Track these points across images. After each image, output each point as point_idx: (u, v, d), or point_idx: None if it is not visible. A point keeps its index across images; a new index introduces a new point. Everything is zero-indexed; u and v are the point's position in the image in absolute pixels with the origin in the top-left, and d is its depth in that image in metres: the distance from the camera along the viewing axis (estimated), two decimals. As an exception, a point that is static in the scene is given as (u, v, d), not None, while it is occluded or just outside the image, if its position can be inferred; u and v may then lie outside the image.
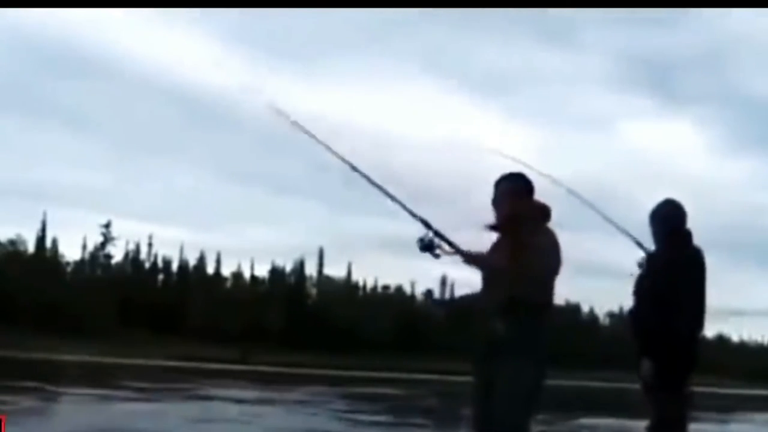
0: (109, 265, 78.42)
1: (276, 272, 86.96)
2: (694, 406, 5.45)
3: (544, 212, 4.44)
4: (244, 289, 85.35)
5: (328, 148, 4.54)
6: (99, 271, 77.54)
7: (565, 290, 4.78)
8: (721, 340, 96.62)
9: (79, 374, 29.41)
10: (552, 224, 4.48)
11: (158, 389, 22.60)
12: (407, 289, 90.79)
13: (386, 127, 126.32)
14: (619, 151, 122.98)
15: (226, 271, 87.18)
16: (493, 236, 4.50)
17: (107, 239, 77.26)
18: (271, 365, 50.38)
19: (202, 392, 22.44)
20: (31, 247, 74.90)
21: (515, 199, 4.47)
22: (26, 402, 14.04)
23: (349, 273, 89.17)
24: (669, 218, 5.54)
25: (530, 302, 4.21)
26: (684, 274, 5.32)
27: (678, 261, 5.35)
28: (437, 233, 4.32)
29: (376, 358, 66.57)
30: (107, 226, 77.19)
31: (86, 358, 46.48)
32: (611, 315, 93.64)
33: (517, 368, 4.16)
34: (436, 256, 4.28)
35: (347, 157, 4.46)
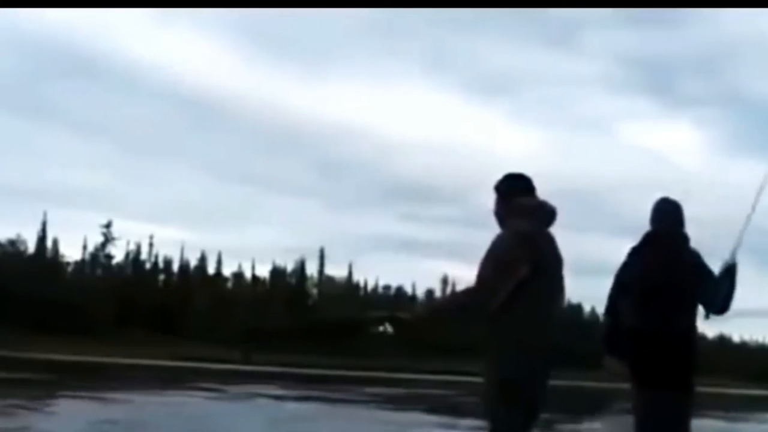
0: (109, 265, 78.34)
1: (277, 272, 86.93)
2: (690, 408, 5.29)
3: (523, 211, 4.42)
4: (245, 289, 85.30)
5: None
6: (100, 272, 77.46)
7: (566, 290, 4.77)
8: (722, 341, 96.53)
9: (111, 376, 29.08)
10: (554, 225, 4.48)
11: (222, 390, 22.17)
12: (408, 289, 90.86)
13: (386, 127, 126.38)
14: (619, 152, 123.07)
15: (227, 271, 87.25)
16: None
17: (108, 239, 77.24)
18: (275, 365, 50.05)
19: (263, 391, 22.14)
20: (31, 247, 74.94)
21: (500, 199, 4.51)
22: (113, 410, 13.15)
23: (350, 273, 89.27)
24: (655, 214, 5.50)
25: (479, 307, 4.33)
26: (648, 270, 5.25)
27: (645, 258, 5.30)
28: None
29: (378, 358, 66.53)
30: (108, 226, 77.20)
31: (93, 359, 46.25)
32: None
33: (482, 367, 4.29)
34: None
35: None
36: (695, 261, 5.32)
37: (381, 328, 4.59)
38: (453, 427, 14.43)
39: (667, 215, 5.40)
